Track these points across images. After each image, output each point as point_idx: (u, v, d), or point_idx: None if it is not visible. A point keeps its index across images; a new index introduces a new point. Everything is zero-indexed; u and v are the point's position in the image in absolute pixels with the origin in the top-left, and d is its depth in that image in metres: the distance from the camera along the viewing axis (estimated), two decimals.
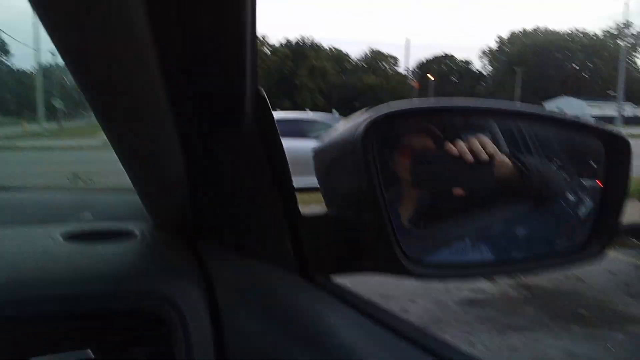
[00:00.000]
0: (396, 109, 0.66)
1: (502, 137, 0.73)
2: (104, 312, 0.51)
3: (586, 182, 0.78)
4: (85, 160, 11.05)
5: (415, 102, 0.71)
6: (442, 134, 0.70)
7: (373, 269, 0.70)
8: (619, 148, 0.74)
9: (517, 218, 0.75)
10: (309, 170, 0.75)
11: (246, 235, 0.66)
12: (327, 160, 0.74)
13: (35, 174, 9.72)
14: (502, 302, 3.93)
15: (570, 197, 0.77)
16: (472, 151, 0.67)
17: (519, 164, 0.70)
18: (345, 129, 0.67)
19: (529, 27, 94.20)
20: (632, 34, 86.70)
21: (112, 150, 0.55)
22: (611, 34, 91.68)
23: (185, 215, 0.68)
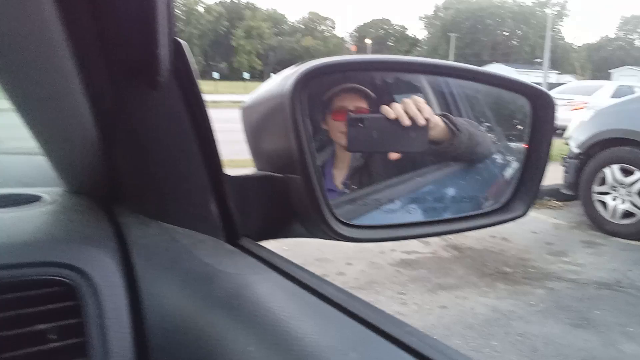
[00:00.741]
0: (326, 62, 0.63)
1: (434, 98, 0.71)
2: (5, 284, 0.46)
3: (513, 145, 0.79)
4: None
5: (345, 57, 0.68)
6: (375, 94, 0.68)
7: (304, 233, 0.68)
8: (544, 104, 0.75)
9: (446, 179, 0.75)
10: None
11: (167, 199, 0.60)
12: (254, 119, 0.70)
13: None
14: (434, 262, 4.08)
15: (498, 158, 0.78)
16: (408, 114, 0.65)
17: (451, 126, 0.69)
18: (273, 85, 0.63)
19: None
20: (559, 2, 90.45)
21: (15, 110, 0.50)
22: (539, 2, 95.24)
23: (100, 178, 0.62)
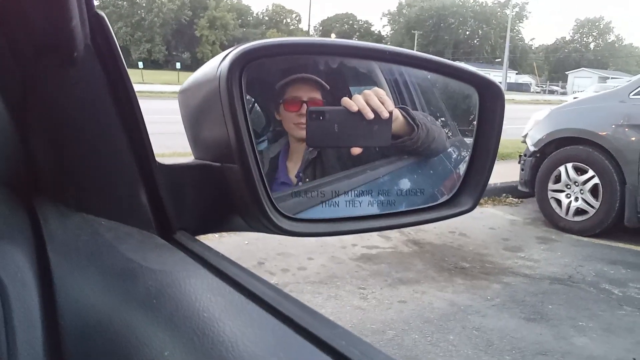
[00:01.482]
0: (265, 43, 0.58)
1: (389, 90, 0.69)
2: None
3: (468, 140, 0.78)
4: None
5: (286, 38, 0.65)
6: (331, 86, 0.65)
7: (244, 227, 0.65)
8: (493, 95, 0.73)
9: (398, 173, 0.73)
10: None
11: (89, 188, 0.55)
12: (191, 104, 0.66)
13: None
14: (394, 257, 4.11)
15: (453, 153, 0.76)
16: (371, 107, 0.62)
17: (410, 120, 0.67)
18: (209, 67, 0.59)
19: None
20: (517, 4, 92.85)
21: None
22: (500, 3, 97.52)
23: (17, 166, 0.57)
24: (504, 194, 6.15)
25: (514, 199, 6.11)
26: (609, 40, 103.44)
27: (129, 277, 0.46)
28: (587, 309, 3.26)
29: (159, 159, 0.57)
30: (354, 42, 0.67)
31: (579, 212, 4.93)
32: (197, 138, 0.67)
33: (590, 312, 3.22)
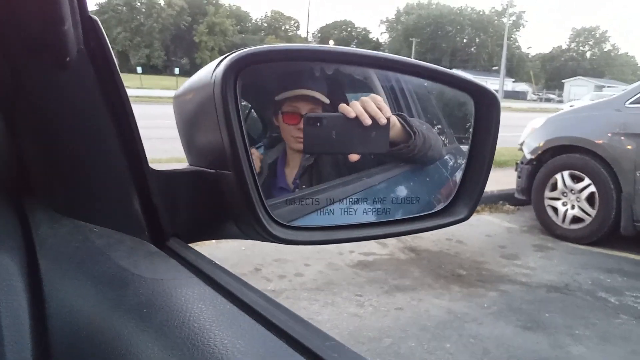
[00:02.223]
0: (260, 49, 0.58)
1: (386, 98, 0.69)
2: None
3: (465, 148, 0.77)
4: None
5: (283, 45, 0.64)
6: (328, 93, 0.65)
7: (238, 234, 0.64)
8: (488, 103, 0.73)
9: (394, 180, 0.72)
10: None
11: (80, 193, 0.55)
12: (186, 109, 0.66)
13: None
14: (391, 264, 4.10)
15: (450, 161, 0.76)
16: (369, 113, 0.62)
17: (407, 127, 0.67)
18: (204, 73, 0.59)
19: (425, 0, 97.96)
20: (515, 13, 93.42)
21: None
22: (497, 11, 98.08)
23: (7, 169, 0.56)
24: (501, 202, 6.15)
25: (511, 207, 6.12)
26: (605, 49, 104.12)
27: (120, 284, 0.45)
28: (583, 318, 3.26)
29: (153, 165, 0.56)
30: (350, 49, 0.66)
31: (576, 220, 4.94)
32: (192, 144, 0.66)
33: (587, 320, 3.22)
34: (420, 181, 0.75)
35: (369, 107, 0.63)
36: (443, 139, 0.76)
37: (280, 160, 0.65)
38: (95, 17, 0.50)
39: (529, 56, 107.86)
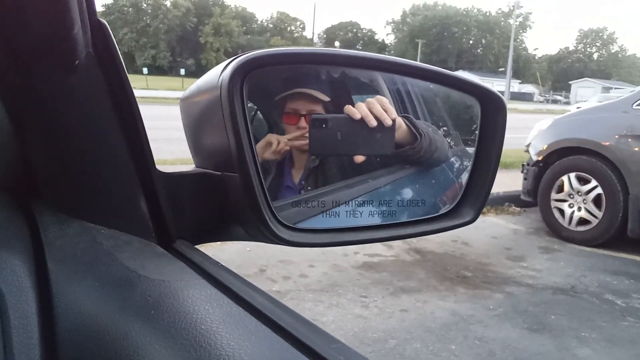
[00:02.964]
0: (267, 53, 0.59)
1: (391, 99, 0.69)
2: None
3: (471, 150, 0.77)
4: None
5: (289, 48, 0.65)
6: (333, 95, 0.65)
7: (244, 236, 0.64)
8: (495, 107, 0.73)
9: (400, 182, 0.73)
10: None
11: (88, 195, 0.55)
12: (193, 112, 0.66)
13: None
14: (396, 265, 4.10)
15: (455, 163, 0.76)
16: (374, 114, 0.62)
17: (413, 129, 0.67)
18: (211, 76, 0.59)
19: (431, 1, 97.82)
20: (521, 14, 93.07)
21: None
22: (503, 13, 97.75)
23: (16, 171, 0.57)
24: (507, 203, 6.13)
25: (517, 208, 6.09)
26: (613, 51, 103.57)
27: (127, 286, 0.46)
28: (589, 320, 3.24)
29: (159, 167, 0.57)
30: (356, 52, 0.67)
31: (582, 222, 4.91)
32: (198, 146, 0.67)
33: (593, 323, 3.20)
34: (426, 183, 0.75)
35: (375, 108, 0.63)
36: (449, 141, 0.76)
37: (287, 161, 0.65)
38: (104, 21, 0.50)
39: (536, 57, 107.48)
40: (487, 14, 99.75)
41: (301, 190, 0.66)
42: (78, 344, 0.43)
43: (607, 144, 4.73)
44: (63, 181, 0.55)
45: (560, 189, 5.10)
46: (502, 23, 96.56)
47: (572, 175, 5.01)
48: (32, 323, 0.42)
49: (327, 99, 0.64)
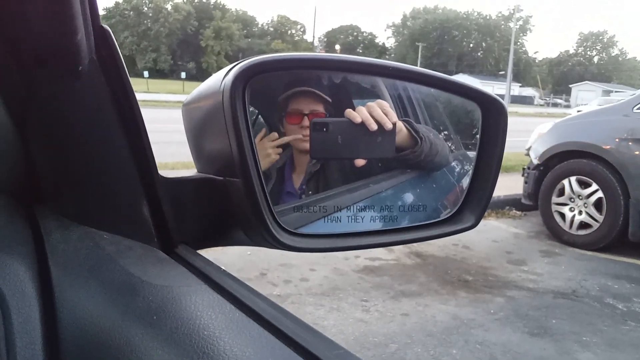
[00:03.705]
0: (268, 58, 0.59)
1: (392, 104, 0.69)
2: None
3: (471, 154, 0.78)
4: None
5: (290, 54, 0.65)
6: (334, 99, 0.65)
7: (245, 241, 0.65)
8: (496, 112, 0.73)
9: (401, 187, 0.73)
10: None
11: (90, 200, 0.55)
12: (195, 117, 0.67)
13: None
14: (397, 269, 4.09)
15: (456, 167, 0.76)
16: (374, 118, 0.62)
17: (414, 133, 0.67)
18: (213, 81, 0.60)
19: (431, 4, 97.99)
20: (522, 17, 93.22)
21: None
22: (504, 16, 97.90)
23: (20, 176, 0.57)
24: (508, 207, 6.13)
25: (518, 212, 6.09)
26: (613, 54, 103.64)
27: (130, 291, 0.46)
28: (591, 324, 3.23)
29: (161, 171, 0.57)
30: (357, 57, 0.67)
31: (583, 225, 4.91)
32: (200, 151, 0.67)
33: (594, 327, 3.19)
34: (427, 187, 0.75)
35: (375, 112, 0.63)
36: (450, 145, 0.76)
37: (288, 165, 0.65)
38: (107, 27, 0.50)
39: (536, 61, 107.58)
40: (488, 17, 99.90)
41: (302, 194, 0.66)
42: (81, 349, 0.43)
43: (608, 147, 4.73)
44: (66, 186, 0.55)
45: (561, 193, 5.10)
46: (503, 26, 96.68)
47: (573, 178, 5.00)
48: (35, 327, 0.42)
49: (328, 99, 0.65)
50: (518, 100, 69.54)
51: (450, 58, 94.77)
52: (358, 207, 0.68)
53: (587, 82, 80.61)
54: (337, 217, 0.66)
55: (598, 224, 4.78)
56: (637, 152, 4.56)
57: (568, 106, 63.01)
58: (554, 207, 5.14)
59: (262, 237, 0.59)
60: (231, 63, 0.61)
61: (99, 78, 0.51)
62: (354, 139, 0.63)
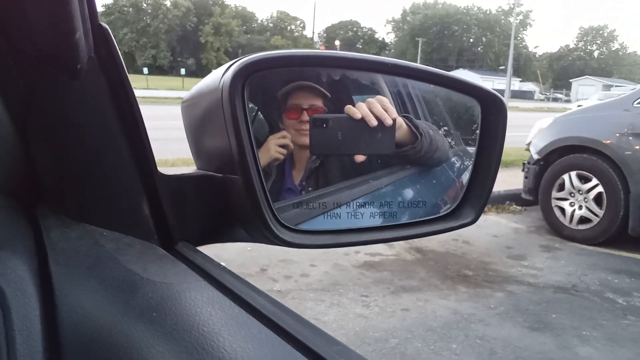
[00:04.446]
0: (267, 56, 0.59)
1: (392, 100, 0.69)
2: None
3: (471, 150, 0.78)
4: None
5: (289, 51, 0.65)
6: (334, 96, 0.65)
7: (245, 238, 0.65)
8: (495, 108, 0.73)
9: (401, 183, 0.73)
10: None
11: (90, 199, 0.56)
12: (194, 115, 0.67)
13: None
14: (397, 264, 4.10)
15: (456, 162, 0.76)
16: (374, 114, 0.63)
17: (414, 128, 0.67)
18: (212, 79, 0.60)
19: None
20: (522, 12, 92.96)
21: None
22: (504, 11, 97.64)
23: (20, 175, 0.57)
24: (508, 202, 6.13)
25: (518, 207, 6.09)
26: (613, 49, 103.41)
27: (130, 288, 0.46)
28: (591, 319, 3.24)
29: (161, 168, 0.57)
30: (356, 54, 0.67)
31: (583, 220, 4.91)
32: (200, 149, 0.67)
33: (594, 321, 3.20)
34: (426, 183, 0.75)
35: (375, 108, 0.63)
36: (450, 140, 0.76)
37: (288, 162, 0.66)
38: (106, 26, 0.50)
39: (536, 55, 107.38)
40: (488, 12, 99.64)
41: (302, 191, 0.66)
42: (81, 346, 0.43)
43: (608, 142, 4.73)
44: (66, 184, 0.55)
45: (561, 188, 5.10)
46: (503, 21, 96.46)
47: (573, 173, 5.01)
48: (35, 325, 0.43)
49: (328, 94, 0.65)
50: (518, 95, 69.48)
51: (450, 53, 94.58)
52: (358, 203, 0.68)
53: (587, 76, 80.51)
54: (337, 213, 0.66)
55: (598, 219, 4.79)
56: (637, 147, 4.55)
57: (568, 101, 62.98)
58: (554, 202, 5.14)
59: (262, 233, 0.59)
60: (231, 59, 0.61)
61: (98, 77, 0.51)
62: (354, 135, 0.63)
